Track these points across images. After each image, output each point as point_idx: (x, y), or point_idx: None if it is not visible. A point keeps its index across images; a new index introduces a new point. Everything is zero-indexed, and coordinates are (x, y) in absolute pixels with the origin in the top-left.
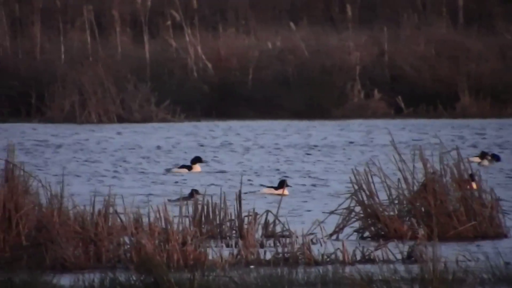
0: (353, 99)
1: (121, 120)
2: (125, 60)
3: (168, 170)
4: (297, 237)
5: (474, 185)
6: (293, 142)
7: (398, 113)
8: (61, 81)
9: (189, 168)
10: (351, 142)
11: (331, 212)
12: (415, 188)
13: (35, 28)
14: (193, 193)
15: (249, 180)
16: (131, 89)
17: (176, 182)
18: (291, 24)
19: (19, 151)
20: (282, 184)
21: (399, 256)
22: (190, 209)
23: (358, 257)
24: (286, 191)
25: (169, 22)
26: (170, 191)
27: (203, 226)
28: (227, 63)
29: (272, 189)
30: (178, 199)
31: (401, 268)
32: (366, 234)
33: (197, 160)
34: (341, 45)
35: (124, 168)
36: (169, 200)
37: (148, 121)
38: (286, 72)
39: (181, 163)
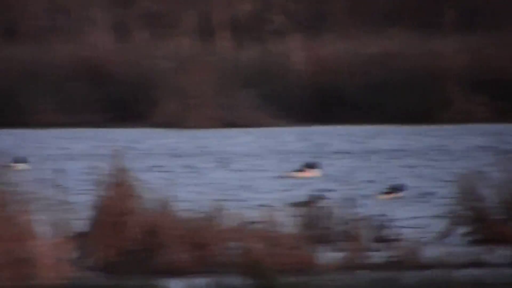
0: (458, 104)
1: (225, 125)
2: (228, 65)
3: (281, 175)
4: (405, 240)
5: None
6: (403, 147)
7: (502, 117)
8: (165, 86)
9: (303, 172)
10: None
11: (440, 216)
12: None
13: (140, 33)
14: (311, 197)
15: (359, 184)
16: (235, 94)
17: (290, 186)
18: (392, 28)
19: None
20: (395, 189)
21: (509, 260)
22: (299, 213)
23: (467, 261)
24: (400, 194)
25: (271, 27)
26: (284, 196)
27: (312, 229)
28: (329, 68)
29: (385, 194)
30: (294, 203)
31: (511, 272)
32: (475, 237)
33: (310, 165)
34: (443, 49)
35: (230, 171)
36: (285, 205)
37: (252, 126)
38: (387, 76)
39: (292, 167)
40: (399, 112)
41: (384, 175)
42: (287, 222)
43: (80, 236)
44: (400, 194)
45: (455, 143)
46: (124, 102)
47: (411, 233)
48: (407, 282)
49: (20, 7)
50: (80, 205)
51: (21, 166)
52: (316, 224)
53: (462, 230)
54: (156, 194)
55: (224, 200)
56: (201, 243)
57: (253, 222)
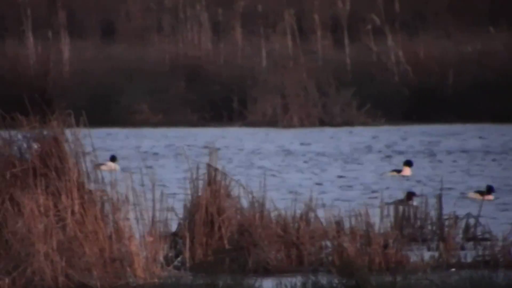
0: None
1: (322, 123)
2: (326, 64)
3: (382, 174)
4: (497, 240)
5: None
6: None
7: None
8: (262, 85)
9: (400, 171)
10: None
11: None
12: None
13: (237, 33)
14: (410, 195)
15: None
16: (332, 93)
17: (387, 184)
18: (491, 28)
19: (221, 155)
20: (488, 190)
21: None
22: (393, 212)
23: None
24: (491, 196)
25: (369, 26)
26: (379, 195)
27: (404, 228)
28: (427, 66)
29: (478, 194)
30: (393, 202)
31: None
32: None
33: (408, 163)
34: None
35: (323, 170)
36: (385, 203)
37: (349, 124)
38: (486, 76)
39: (390, 167)
40: (498, 111)
41: (479, 175)
42: (381, 221)
43: (174, 235)
44: (491, 196)
45: None
46: (221, 101)
47: (504, 233)
48: (499, 281)
49: (119, 7)
50: (174, 204)
51: (115, 165)
52: (409, 223)
53: None
54: (250, 193)
55: (318, 198)
56: (294, 242)
57: (346, 221)
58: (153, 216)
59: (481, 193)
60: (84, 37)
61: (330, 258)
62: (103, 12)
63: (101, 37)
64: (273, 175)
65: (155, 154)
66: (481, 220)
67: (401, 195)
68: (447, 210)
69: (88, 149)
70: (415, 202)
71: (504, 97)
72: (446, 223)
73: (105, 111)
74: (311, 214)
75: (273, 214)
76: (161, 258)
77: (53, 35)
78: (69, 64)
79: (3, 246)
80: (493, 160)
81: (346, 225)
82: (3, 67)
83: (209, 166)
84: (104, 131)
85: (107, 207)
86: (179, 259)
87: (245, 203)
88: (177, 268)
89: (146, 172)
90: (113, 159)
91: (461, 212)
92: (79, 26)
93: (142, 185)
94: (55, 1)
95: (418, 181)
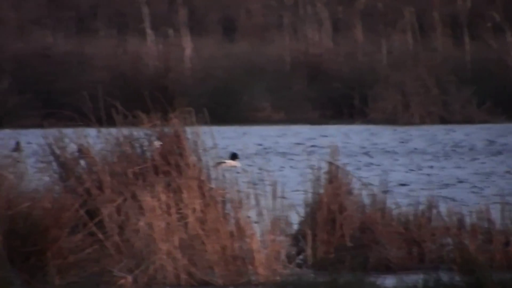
0: None
1: (443, 121)
2: (446, 61)
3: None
4: None
5: None
6: None
7: None
8: (383, 83)
9: None
10: None
11: None
12: None
13: (357, 30)
14: None
15: None
16: (453, 90)
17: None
18: None
19: (341, 152)
20: None
21: None
22: None
23: None
24: None
25: (489, 24)
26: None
27: None
28: None
29: None
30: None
31: None
32: None
33: None
34: None
35: (442, 168)
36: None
37: (469, 122)
38: None
39: None
40: None
41: None
42: (502, 218)
43: (295, 233)
44: None
45: None
46: (341, 99)
47: None
48: None
49: (239, 5)
50: (295, 202)
51: (236, 163)
52: None
53: None
54: (370, 190)
55: (437, 196)
56: (415, 239)
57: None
58: (274, 214)
59: None
60: (204, 34)
61: (451, 255)
62: (223, 9)
63: (222, 35)
64: (394, 173)
65: (276, 151)
66: None
67: None
68: None
69: (209, 146)
70: None
71: None
72: None
73: (226, 109)
74: (432, 211)
75: (395, 212)
76: (282, 256)
77: (174, 33)
78: (190, 61)
79: (126, 244)
80: None
81: (468, 221)
82: (124, 65)
83: (330, 163)
84: (225, 128)
85: (228, 205)
86: (300, 256)
87: (367, 200)
88: (298, 266)
89: (266, 169)
90: (234, 156)
91: None
92: (199, 24)
93: (262, 182)
94: None
95: None
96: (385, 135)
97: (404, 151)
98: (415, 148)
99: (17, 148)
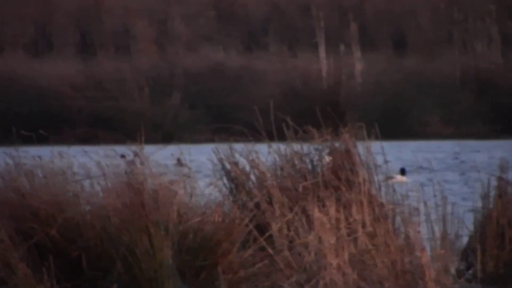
0: None
1: None
2: None
3: None
4: None
5: None
6: None
7: None
8: None
9: None
10: None
11: None
12: None
13: None
14: None
15: None
16: None
17: None
18: None
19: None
20: None
21: None
22: None
23: None
24: None
25: None
26: None
27: None
28: None
29: None
30: None
31: None
32: None
33: None
34: None
35: None
36: None
37: None
38: None
39: None
40: None
41: None
42: None
43: (464, 248)
44: None
45: None
46: (511, 114)
47: None
48: None
49: (409, 20)
50: (463, 217)
51: (405, 178)
52: None
53: None
54: None
55: None
56: None
57: None
58: (444, 229)
59: None
60: (375, 50)
61: None
62: (394, 25)
63: (392, 50)
64: None
65: (444, 166)
66: None
67: None
68: None
69: (379, 161)
70: None
71: None
72: None
73: (396, 123)
74: None
75: None
76: (452, 271)
77: (345, 48)
78: (360, 76)
79: (295, 259)
80: None
81: None
82: (295, 80)
83: (500, 178)
84: (395, 143)
85: (398, 219)
86: (470, 271)
87: None
88: (468, 281)
89: (435, 184)
90: (402, 172)
91: None
92: (370, 39)
93: (432, 197)
94: (347, 14)
95: None
96: None
97: None
98: None
99: (180, 163)
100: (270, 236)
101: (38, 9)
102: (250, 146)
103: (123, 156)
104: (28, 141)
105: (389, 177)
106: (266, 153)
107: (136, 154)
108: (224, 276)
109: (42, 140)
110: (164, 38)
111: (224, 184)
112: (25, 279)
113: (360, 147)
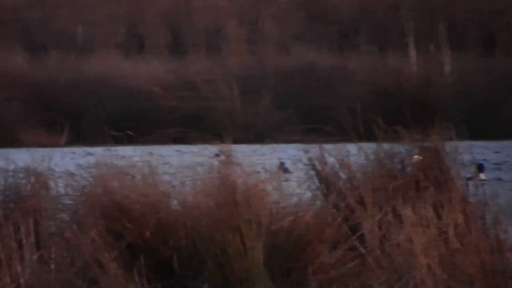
0: None
1: None
2: None
3: None
4: None
5: None
6: None
7: None
8: None
9: None
10: None
11: None
12: None
13: None
14: None
15: None
16: None
17: None
18: None
19: None
20: None
21: None
22: None
23: None
24: None
25: None
26: None
27: None
28: None
29: None
30: None
31: None
32: None
33: None
34: None
35: None
36: None
37: None
38: None
39: None
40: None
41: None
42: None
43: None
44: None
45: None
46: None
47: None
48: None
49: (499, 19)
50: None
51: (483, 175)
52: None
53: None
54: None
55: None
56: None
57: None
58: None
59: None
60: (464, 49)
61: None
62: (484, 24)
63: (482, 50)
64: None
65: None
66: None
67: None
68: None
69: (468, 162)
70: None
71: None
72: None
73: (486, 124)
74: None
75: None
76: None
77: (434, 48)
78: (450, 76)
79: (386, 259)
80: None
81: None
82: (385, 80)
83: None
84: (483, 144)
85: (488, 219)
86: None
87: None
88: None
89: None
90: (480, 168)
91: None
92: (460, 38)
93: None
94: (436, 13)
95: None
96: None
97: None
98: None
99: (282, 167)
100: (361, 236)
101: (129, 9)
102: (340, 146)
103: (216, 156)
104: (119, 140)
105: (473, 176)
106: (356, 153)
107: (227, 154)
108: (314, 276)
109: (133, 140)
110: (254, 38)
111: (315, 184)
112: (117, 279)
113: (449, 147)
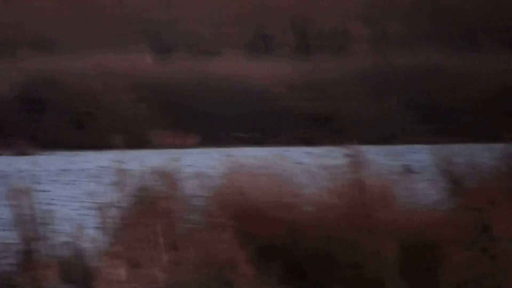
0: None
1: None
2: None
3: None
4: None
5: None
6: None
7: None
8: None
9: None
10: None
11: None
12: None
13: None
14: None
15: None
16: None
17: None
18: None
19: None
20: None
21: None
22: None
23: None
24: None
25: None
26: None
27: None
28: None
29: None
30: None
31: None
32: None
33: None
34: None
35: None
36: None
37: None
38: None
39: None
40: None
41: None
42: None
43: None
44: None
45: None
46: None
47: None
48: None
49: None
50: None
51: None
52: None
53: None
54: None
55: None
56: None
57: None
58: None
59: None
60: None
61: None
62: None
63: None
64: None
65: None
66: None
67: None
68: None
69: None
70: None
71: None
72: None
73: None
74: None
75: None
76: None
77: None
78: None
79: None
80: None
81: None
82: None
83: None
84: None
85: None
86: None
87: None
88: None
89: None
90: None
91: None
92: None
93: None
94: None
95: None
96: None
97: None
98: None
99: (410, 168)
100: (493, 237)
101: (255, 10)
102: (468, 146)
103: (347, 156)
104: (248, 141)
105: None
106: (484, 154)
107: (356, 155)
108: (445, 278)
109: (261, 141)
110: (380, 38)
111: (444, 185)
112: (251, 281)
113: None
